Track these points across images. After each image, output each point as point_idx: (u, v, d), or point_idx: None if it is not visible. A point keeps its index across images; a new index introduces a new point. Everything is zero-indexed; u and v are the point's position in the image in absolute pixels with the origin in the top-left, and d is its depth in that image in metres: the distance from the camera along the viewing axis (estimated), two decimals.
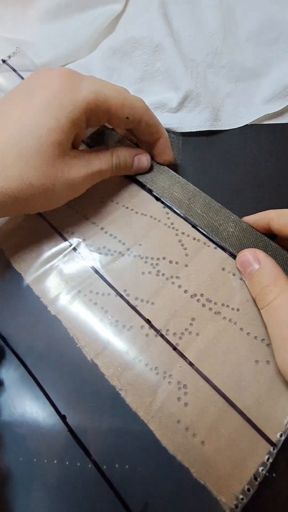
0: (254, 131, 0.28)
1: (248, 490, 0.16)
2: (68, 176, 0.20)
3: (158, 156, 0.25)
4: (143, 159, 0.24)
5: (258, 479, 0.16)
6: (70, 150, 0.20)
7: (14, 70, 0.30)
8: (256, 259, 0.19)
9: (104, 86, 0.21)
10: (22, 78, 0.30)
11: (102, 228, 0.24)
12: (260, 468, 0.16)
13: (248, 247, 0.22)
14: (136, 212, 0.24)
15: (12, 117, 0.19)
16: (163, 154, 0.24)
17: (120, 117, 0.21)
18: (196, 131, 0.28)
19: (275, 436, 0.17)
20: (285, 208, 0.24)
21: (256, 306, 0.20)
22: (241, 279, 0.21)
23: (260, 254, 0.19)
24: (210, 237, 0.22)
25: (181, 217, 0.24)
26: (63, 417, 0.18)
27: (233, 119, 0.28)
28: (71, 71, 0.20)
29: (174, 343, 0.20)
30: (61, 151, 0.19)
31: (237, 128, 0.28)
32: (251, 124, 0.28)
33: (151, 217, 0.24)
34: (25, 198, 0.19)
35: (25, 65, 0.31)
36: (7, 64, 0.31)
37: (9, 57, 0.31)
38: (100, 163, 0.22)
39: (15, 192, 0.18)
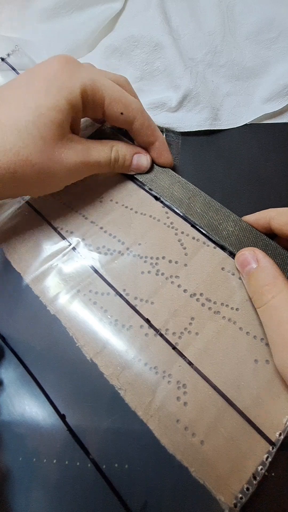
0: (253, 131, 0.28)
1: (247, 489, 0.16)
2: (65, 159, 0.20)
3: (156, 159, 0.25)
4: (143, 159, 0.24)
5: (257, 478, 0.16)
6: (69, 133, 0.20)
7: (13, 69, 0.30)
8: (254, 259, 0.19)
9: (102, 76, 0.21)
10: None
11: (101, 228, 0.24)
12: (259, 467, 0.16)
13: (247, 246, 0.22)
14: (136, 212, 0.24)
15: (14, 97, 0.19)
16: (161, 157, 0.24)
17: (114, 111, 0.21)
18: (196, 131, 0.28)
19: (274, 436, 0.17)
20: (285, 207, 0.24)
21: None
22: (240, 278, 0.21)
23: (259, 253, 0.19)
24: (210, 236, 0.22)
25: (181, 216, 0.24)
26: (62, 417, 0.18)
27: (232, 118, 0.28)
28: (70, 57, 0.21)
29: (173, 343, 0.20)
30: (59, 131, 0.19)
31: (237, 127, 0.28)
32: (250, 124, 0.28)
33: (150, 216, 0.24)
34: (22, 176, 0.19)
35: (24, 64, 0.31)
36: (6, 63, 0.31)
37: (8, 55, 0.31)
38: (98, 153, 0.22)
39: (11, 168, 0.18)
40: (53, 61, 0.20)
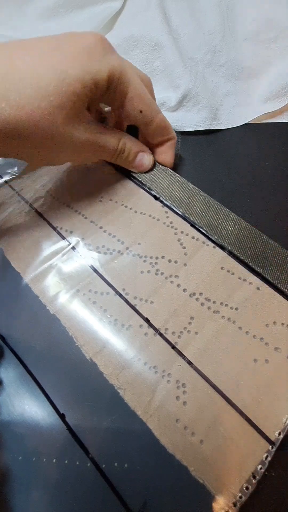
0: (252, 130, 0.28)
1: (247, 488, 0.16)
2: (75, 133, 0.19)
3: (160, 155, 0.25)
4: (146, 158, 0.24)
5: (257, 477, 0.16)
6: (85, 111, 0.20)
7: None
8: None
9: (131, 68, 0.21)
10: None
11: (101, 227, 0.24)
12: (259, 467, 0.16)
13: (247, 246, 0.22)
14: (135, 211, 0.24)
15: (39, 51, 0.18)
16: (165, 154, 0.24)
17: (134, 107, 0.21)
18: (195, 130, 0.28)
19: (274, 435, 0.17)
20: (285, 209, 0.24)
21: (255, 305, 0.20)
22: (240, 278, 0.21)
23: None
24: (209, 236, 0.22)
25: (180, 216, 0.24)
26: (62, 416, 0.18)
27: (232, 118, 0.28)
28: (105, 38, 0.20)
29: (173, 342, 0.20)
30: (78, 105, 0.19)
31: (236, 127, 0.28)
32: (250, 123, 0.28)
33: (150, 216, 0.24)
34: (26, 137, 0.18)
35: None
36: None
37: None
38: (106, 139, 0.22)
39: (19, 126, 0.17)
40: (88, 35, 0.19)
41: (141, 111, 0.21)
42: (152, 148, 0.25)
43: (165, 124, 0.23)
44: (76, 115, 0.19)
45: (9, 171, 0.28)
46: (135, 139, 0.24)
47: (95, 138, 0.21)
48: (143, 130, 0.23)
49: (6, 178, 0.27)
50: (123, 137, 0.23)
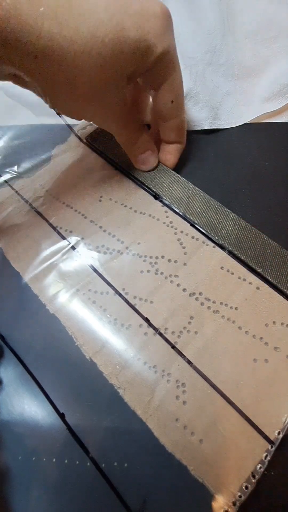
0: (253, 130, 0.28)
1: (246, 487, 0.16)
2: (108, 89, 0.18)
3: (165, 154, 0.25)
4: (152, 159, 0.24)
5: (256, 476, 0.16)
6: (125, 76, 0.19)
7: None
8: None
9: (178, 58, 0.20)
10: None
11: (100, 227, 0.24)
12: (258, 466, 0.16)
13: (247, 245, 0.22)
14: (135, 211, 0.24)
15: None
16: (171, 155, 0.25)
17: (168, 96, 0.21)
18: (195, 130, 0.28)
19: (273, 434, 0.17)
20: (285, 209, 0.24)
21: (255, 305, 0.20)
22: (239, 277, 0.21)
23: None
24: (209, 235, 0.22)
25: (180, 215, 0.24)
26: (61, 416, 0.18)
27: (232, 117, 0.28)
28: (171, 17, 0.19)
29: (172, 342, 0.20)
30: (122, 65, 0.18)
31: (236, 126, 0.28)
32: (250, 123, 0.28)
33: (150, 215, 0.24)
34: (64, 64, 0.17)
35: None
36: None
37: None
38: (127, 118, 0.21)
39: (63, 50, 0.16)
40: (159, 5, 0.18)
41: (172, 102, 0.21)
42: (158, 144, 0.25)
43: (183, 126, 0.23)
44: (117, 78, 0.18)
45: (8, 170, 0.28)
46: (150, 136, 0.24)
47: (121, 113, 0.20)
48: (162, 123, 0.23)
49: (5, 177, 0.27)
50: (142, 128, 0.23)
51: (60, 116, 0.28)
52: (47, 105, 0.20)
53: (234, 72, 0.29)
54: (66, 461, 0.18)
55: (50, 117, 0.29)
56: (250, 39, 0.29)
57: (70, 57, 0.16)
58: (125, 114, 0.21)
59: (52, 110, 0.28)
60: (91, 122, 0.28)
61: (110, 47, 0.17)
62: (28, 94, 0.30)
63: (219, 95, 0.29)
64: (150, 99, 0.25)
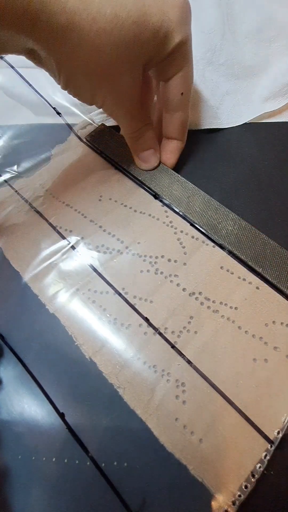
0: (252, 130, 0.28)
1: (246, 487, 0.16)
2: (122, 73, 0.18)
3: (166, 154, 0.25)
4: (153, 157, 0.24)
5: (256, 476, 0.16)
6: (142, 64, 0.19)
7: (12, 67, 0.30)
8: None
9: (192, 54, 0.21)
10: (20, 74, 0.30)
11: (100, 227, 0.24)
12: (258, 465, 0.16)
13: (246, 245, 0.22)
14: (135, 211, 0.24)
15: None
16: (171, 154, 0.25)
17: (179, 86, 0.21)
18: (195, 130, 0.28)
19: (273, 434, 0.17)
20: (285, 208, 0.24)
21: (254, 304, 0.20)
22: (239, 277, 0.21)
23: None
24: (209, 235, 0.22)
25: (180, 215, 0.24)
26: (61, 415, 0.18)
27: (232, 117, 0.28)
28: (190, 9, 0.20)
29: (172, 341, 0.20)
30: (141, 51, 0.18)
31: (236, 126, 0.28)
32: (250, 122, 0.28)
33: (149, 215, 0.24)
34: (83, 42, 0.17)
35: (22, 61, 0.30)
36: (5, 61, 0.30)
37: None
38: (136, 111, 0.21)
39: (84, 29, 0.16)
40: None
41: (182, 94, 0.21)
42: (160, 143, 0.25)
43: (187, 122, 0.23)
44: (135, 63, 0.18)
45: (8, 170, 0.28)
46: (155, 135, 0.24)
47: (133, 101, 0.20)
48: (167, 115, 0.23)
49: (5, 177, 0.27)
50: (149, 124, 0.23)
51: (60, 116, 0.28)
52: (59, 86, 0.20)
53: (234, 72, 0.29)
54: (65, 460, 0.18)
55: (50, 117, 0.29)
56: (250, 39, 0.29)
57: (91, 35, 0.17)
58: (135, 105, 0.21)
59: (52, 109, 0.29)
60: (90, 117, 0.28)
61: (132, 30, 0.17)
62: (28, 94, 0.30)
63: (219, 95, 0.29)
64: (155, 98, 0.25)
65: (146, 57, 0.19)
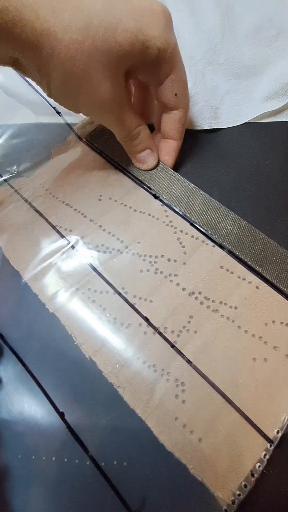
0: (252, 129, 0.28)
1: (245, 486, 0.16)
2: (102, 84, 0.18)
3: (164, 155, 0.25)
4: (151, 157, 0.24)
5: (255, 475, 0.16)
6: (123, 71, 0.19)
7: None
8: None
9: (180, 53, 0.21)
10: (20, 74, 0.30)
11: (100, 226, 0.24)
12: (257, 465, 0.16)
13: (246, 245, 0.22)
14: (135, 210, 0.24)
15: None
16: (169, 155, 0.25)
17: (172, 88, 0.21)
18: (195, 130, 0.28)
19: (272, 433, 0.17)
20: (284, 208, 0.24)
21: (254, 304, 0.20)
22: (239, 277, 0.21)
23: None
24: (209, 235, 0.22)
25: (180, 215, 0.24)
26: (61, 414, 0.18)
27: (232, 117, 0.28)
28: (171, 16, 0.20)
29: (172, 341, 0.20)
30: (118, 59, 0.18)
31: (236, 126, 0.28)
32: (250, 122, 0.28)
33: (149, 215, 0.24)
34: (56, 52, 0.17)
35: None
36: None
37: None
38: (127, 115, 0.21)
39: (56, 39, 0.16)
40: (159, 4, 0.19)
41: (176, 94, 0.21)
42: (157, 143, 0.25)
43: (185, 120, 0.23)
44: (112, 70, 0.18)
45: (8, 169, 0.27)
46: (150, 134, 0.24)
47: (118, 107, 0.20)
48: (164, 114, 0.23)
49: (5, 176, 0.27)
50: (141, 125, 0.23)
51: (60, 115, 0.28)
52: (45, 94, 0.20)
53: (234, 71, 0.29)
54: (65, 459, 0.18)
55: (49, 116, 0.29)
56: (250, 38, 0.29)
57: (64, 44, 0.17)
58: (122, 111, 0.21)
59: (52, 109, 0.28)
60: (90, 118, 0.28)
61: (105, 37, 0.17)
62: (28, 93, 0.30)
63: (219, 95, 0.29)
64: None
65: (127, 64, 0.19)
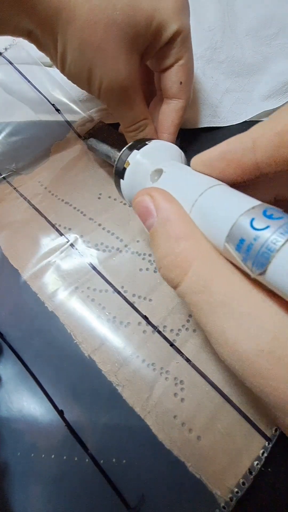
0: None
1: (243, 483, 0.16)
2: (118, 62, 0.18)
3: None
4: (148, 128, 0.24)
5: (253, 473, 0.16)
6: (138, 53, 0.19)
7: (11, 63, 0.30)
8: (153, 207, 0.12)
9: (191, 44, 0.21)
10: (19, 71, 0.30)
11: (99, 225, 0.24)
12: (255, 463, 0.16)
13: None
14: None
15: None
16: None
17: (178, 75, 0.21)
18: (194, 128, 0.28)
19: (270, 431, 0.17)
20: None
21: None
22: None
23: (160, 197, 0.12)
24: None
25: None
26: (60, 412, 0.19)
27: (231, 115, 0.28)
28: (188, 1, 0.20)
29: (171, 340, 0.20)
30: (134, 38, 0.18)
31: (236, 124, 0.28)
32: (249, 121, 0.28)
33: None
34: (75, 23, 0.17)
35: (21, 58, 0.30)
36: (4, 57, 0.30)
37: (6, 49, 0.30)
38: (136, 104, 0.21)
39: (75, 9, 0.17)
40: None
41: (181, 83, 0.21)
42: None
43: (182, 114, 0.23)
44: (128, 47, 0.18)
45: (7, 167, 0.27)
46: (154, 129, 0.24)
47: (131, 87, 0.20)
48: (163, 106, 0.23)
49: (4, 174, 0.27)
50: (149, 119, 0.23)
51: (59, 113, 0.28)
52: (58, 70, 0.20)
53: (235, 70, 0.29)
54: (64, 457, 0.18)
55: (49, 114, 0.29)
56: (250, 36, 0.29)
57: (84, 10, 0.17)
58: (135, 95, 0.21)
59: (51, 106, 0.28)
60: (91, 118, 0.28)
61: (125, 11, 0.17)
62: (27, 90, 0.29)
63: (219, 93, 0.29)
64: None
65: (141, 45, 0.19)
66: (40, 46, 0.19)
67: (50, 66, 0.30)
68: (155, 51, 0.20)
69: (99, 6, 0.17)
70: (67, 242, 0.23)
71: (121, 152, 0.17)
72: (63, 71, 0.20)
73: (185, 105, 0.23)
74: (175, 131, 0.24)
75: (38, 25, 0.17)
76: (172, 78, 0.21)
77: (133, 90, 0.20)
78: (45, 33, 0.18)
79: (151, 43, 0.19)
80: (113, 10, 0.17)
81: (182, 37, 0.19)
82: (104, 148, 0.25)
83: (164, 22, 0.18)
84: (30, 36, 0.19)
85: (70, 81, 0.21)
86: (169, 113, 0.23)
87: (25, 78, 0.28)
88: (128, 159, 0.17)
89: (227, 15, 0.30)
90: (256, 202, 0.11)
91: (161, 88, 0.22)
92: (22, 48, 0.30)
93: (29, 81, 0.28)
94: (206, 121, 0.28)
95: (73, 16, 0.17)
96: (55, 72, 0.29)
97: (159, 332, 0.20)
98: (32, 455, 0.18)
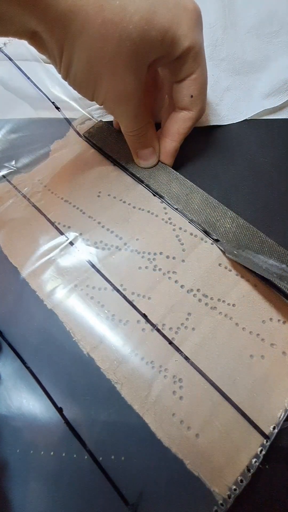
0: (252, 126, 0.28)
1: (241, 481, 0.16)
2: (126, 72, 0.18)
3: (162, 155, 0.25)
4: (153, 157, 0.24)
5: (251, 470, 0.16)
6: (146, 63, 0.19)
7: (10, 59, 0.30)
8: None
9: (205, 55, 0.20)
10: (18, 67, 0.29)
11: (99, 223, 0.24)
12: (253, 460, 0.16)
13: (244, 243, 0.22)
14: (134, 207, 0.24)
15: None
16: (167, 155, 0.24)
17: (190, 89, 0.21)
18: (194, 126, 0.28)
19: (268, 429, 0.17)
20: (283, 207, 0.24)
21: (252, 302, 0.20)
22: (237, 274, 0.21)
23: None
24: (207, 232, 0.23)
25: (179, 212, 0.24)
26: (59, 410, 0.19)
27: (232, 113, 0.28)
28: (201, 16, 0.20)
29: (170, 338, 0.20)
30: (146, 48, 0.18)
31: (236, 123, 0.28)
32: (249, 119, 0.28)
33: (148, 212, 0.24)
34: (88, 31, 0.16)
35: (21, 54, 0.30)
36: (3, 52, 0.30)
37: (5, 44, 0.30)
38: (138, 110, 0.21)
39: (89, 17, 0.16)
40: (193, 3, 0.19)
41: (191, 96, 0.21)
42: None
43: (191, 125, 0.23)
44: (139, 61, 0.18)
45: (6, 165, 0.27)
46: (156, 133, 0.24)
47: (136, 99, 0.20)
48: (174, 114, 0.23)
49: (3, 172, 0.27)
50: (150, 122, 0.23)
51: (59, 110, 0.28)
52: (60, 75, 0.19)
53: (235, 67, 0.29)
54: (63, 454, 0.18)
55: (48, 111, 0.29)
56: (251, 34, 0.29)
57: (97, 23, 0.16)
58: (138, 105, 0.20)
59: (51, 104, 0.28)
60: (91, 117, 0.27)
61: (139, 25, 0.17)
62: (27, 87, 0.29)
63: (219, 91, 0.28)
64: (166, 99, 0.25)
65: (152, 58, 0.19)
66: (43, 49, 0.19)
67: (49, 63, 0.29)
68: (165, 64, 0.20)
69: (112, 20, 0.16)
70: (67, 240, 0.23)
71: None
72: (65, 78, 0.19)
73: (195, 117, 0.23)
74: (179, 139, 0.24)
75: (46, 29, 0.17)
76: (183, 91, 0.21)
77: (138, 100, 0.20)
78: (52, 38, 0.17)
79: (162, 55, 0.19)
80: (128, 23, 0.16)
81: (194, 52, 0.19)
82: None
83: (177, 37, 0.18)
84: (33, 38, 0.18)
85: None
86: (177, 121, 0.23)
87: (25, 74, 0.28)
88: None
89: (228, 13, 0.29)
90: None
91: (173, 97, 0.22)
92: (21, 43, 0.30)
93: (28, 78, 0.28)
94: (206, 120, 0.28)
95: (84, 28, 0.16)
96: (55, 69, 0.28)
97: (158, 330, 0.20)
98: (31, 452, 0.18)
